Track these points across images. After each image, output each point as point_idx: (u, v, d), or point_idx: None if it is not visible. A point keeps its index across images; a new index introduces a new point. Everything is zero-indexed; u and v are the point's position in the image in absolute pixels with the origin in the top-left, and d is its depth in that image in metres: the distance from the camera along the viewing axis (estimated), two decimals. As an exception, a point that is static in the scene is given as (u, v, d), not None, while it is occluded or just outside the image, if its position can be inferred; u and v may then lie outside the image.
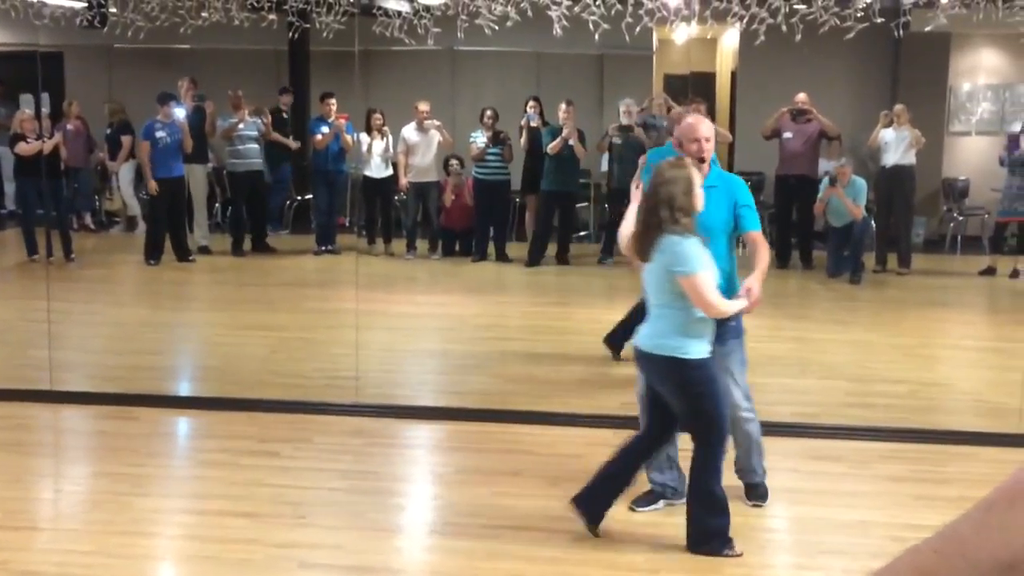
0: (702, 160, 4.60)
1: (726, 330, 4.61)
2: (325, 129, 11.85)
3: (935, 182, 12.60)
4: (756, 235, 4.66)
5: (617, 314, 9.43)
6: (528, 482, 5.28)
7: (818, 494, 5.18)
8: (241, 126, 11.86)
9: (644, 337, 4.44)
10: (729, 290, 4.54)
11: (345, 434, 6.02)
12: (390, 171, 12.04)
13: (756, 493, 5.01)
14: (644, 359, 4.46)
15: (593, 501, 4.61)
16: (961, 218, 12.53)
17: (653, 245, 4.31)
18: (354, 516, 4.87)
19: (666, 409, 4.51)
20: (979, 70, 13.06)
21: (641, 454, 4.66)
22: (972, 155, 12.97)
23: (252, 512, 4.88)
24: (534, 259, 11.52)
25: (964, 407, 6.72)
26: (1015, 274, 10.77)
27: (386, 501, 5.11)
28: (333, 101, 11.89)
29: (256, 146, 12.01)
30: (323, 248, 11.96)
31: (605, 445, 5.82)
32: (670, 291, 4.29)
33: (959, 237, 12.42)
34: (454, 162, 12.15)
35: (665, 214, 4.24)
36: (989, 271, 11.02)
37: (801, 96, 11.36)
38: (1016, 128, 11.41)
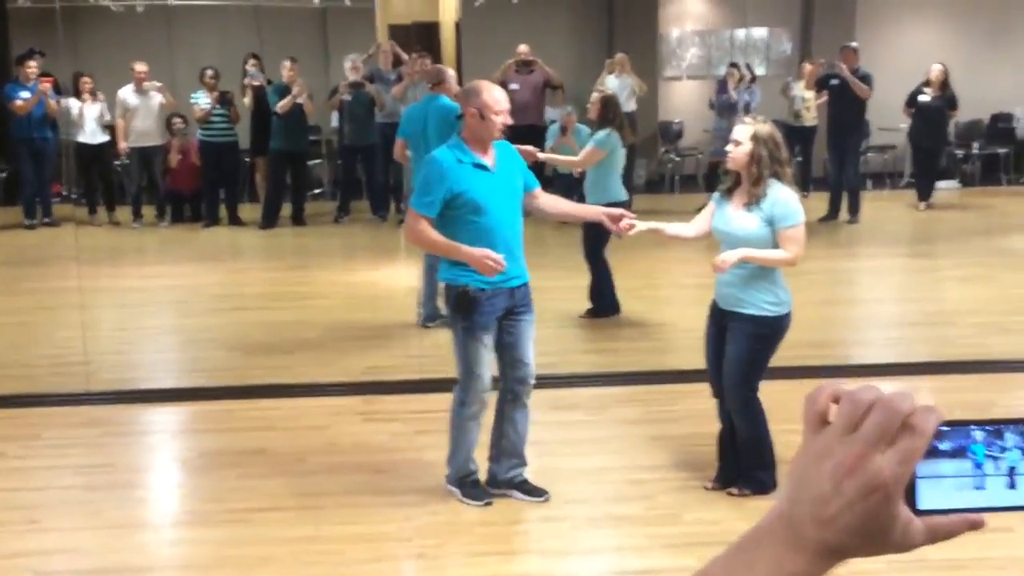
0: (502, 131, 4.45)
1: (529, 297, 4.60)
2: (25, 94, 11.02)
3: (652, 125, 13.19)
4: (540, 189, 4.76)
5: (357, 275, 9.42)
6: (274, 460, 5.21)
7: (559, 444, 5.39)
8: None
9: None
10: (520, 254, 4.55)
11: (77, 426, 5.72)
12: (107, 136, 11.40)
13: (534, 487, 4.75)
14: None
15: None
16: (678, 159, 13.21)
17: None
18: (92, 515, 4.66)
19: None
20: (686, 17, 13.74)
21: None
22: (684, 98, 13.67)
23: (-22, 522, 4.58)
24: (268, 221, 11.27)
25: (688, 345, 7.08)
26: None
27: (126, 495, 4.91)
28: (33, 64, 11.05)
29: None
30: (37, 221, 11.21)
31: (351, 413, 5.86)
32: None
33: (676, 177, 13.10)
34: (177, 120, 11.66)
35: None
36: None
37: (523, 47, 11.57)
38: (722, 72, 12.11)
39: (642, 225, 4.58)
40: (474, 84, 4.60)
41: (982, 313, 7.79)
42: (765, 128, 4.45)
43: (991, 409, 5.78)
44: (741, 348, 4.53)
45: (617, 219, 4.55)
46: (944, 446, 0.83)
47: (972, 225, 11.46)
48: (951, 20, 13.27)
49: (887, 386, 0.81)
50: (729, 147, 4.50)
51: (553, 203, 4.87)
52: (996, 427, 0.83)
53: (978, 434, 0.83)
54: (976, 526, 0.83)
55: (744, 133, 4.44)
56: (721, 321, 4.62)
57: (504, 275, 4.44)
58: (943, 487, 0.83)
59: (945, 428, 0.82)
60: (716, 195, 4.67)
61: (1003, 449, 0.83)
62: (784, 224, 4.37)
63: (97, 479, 5.03)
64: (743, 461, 4.70)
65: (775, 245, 4.40)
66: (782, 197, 4.39)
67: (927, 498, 0.82)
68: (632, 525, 4.51)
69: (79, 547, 4.37)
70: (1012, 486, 0.83)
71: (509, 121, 4.45)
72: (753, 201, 4.40)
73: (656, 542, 4.36)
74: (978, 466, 0.83)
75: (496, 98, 4.42)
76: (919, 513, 0.82)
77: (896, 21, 13.23)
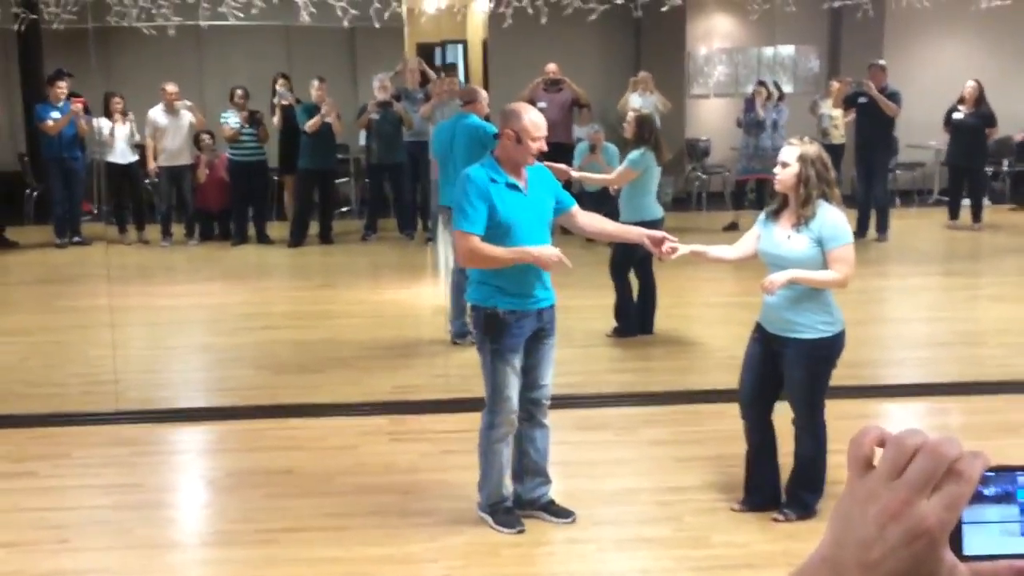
0: (536, 157, 4.42)
1: (555, 320, 4.61)
2: (56, 115, 11.13)
3: (679, 143, 13.18)
4: (577, 207, 4.75)
5: (384, 293, 9.46)
6: (302, 480, 5.23)
7: (587, 465, 5.38)
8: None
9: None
10: (547, 276, 4.52)
11: (107, 445, 5.76)
12: (136, 156, 11.52)
13: (561, 508, 4.77)
14: None
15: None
16: (705, 176, 13.20)
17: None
18: (122, 534, 4.69)
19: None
20: (713, 35, 13.74)
21: None
22: (711, 116, 13.66)
23: (10, 541, 4.62)
24: (296, 239, 11.34)
25: (716, 364, 7.07)
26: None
27: (154, 514, 4.94)
28: (63, 84, 11.16)
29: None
30: (68, 240, 11.33)
31: (379, 433, 5.87)
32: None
33: (704, 194, 13.08)
34: (205, 136, 11.76)
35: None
36: (732, 226, 11.67)
37: (551, 66, 11.62)
38: (750, 90, 12.09)
39: (684, 248, 4.53)
40: (515, 106, 4.58)
41: (1012, 333, 7.73)
42: (812, 149, 4.43)
43: (1020, 431, 5.73)
44: (804, 373, 4.49)
45: (659, 242, 4.49)
46: (990, 491, 0.82)
47: (1002, 243, 11.37)
48: (979, 37, 13.20)
49: (913, 409, 0.81)
50: (777, 169, 4.47)
51: (592, 222, 4.83)
52: None
53: None
54: (1023, 573, 0.83)
55: (791, 154, 4.41)
56: (771, 345, 4.55)
57: (533, 297, 4.45)
58: (989, 533, 0.82)
59: (991, 473, 0.82)
60: (762, 217, 4.64)
61: None
62: (834, 245, 4.35)
63: (126, 498, 5.06)
64: (793, 482, 4.67)
65: (824, 266, 4.38)
66: (831, 218, 4.38)
67: (973, 544, 0.82)
68: (660, 547, 4.49)
69: (109, 567, 4.40)
70: None
71: (544, 148, 4.43)
72: (802, 222, 4.37)
73: (683, 564, 4.34)
74: None
75: (536, 123, 4.40)
76: (965, 559, 0.82)
77: (924, 38, 13.18)
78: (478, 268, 4.46)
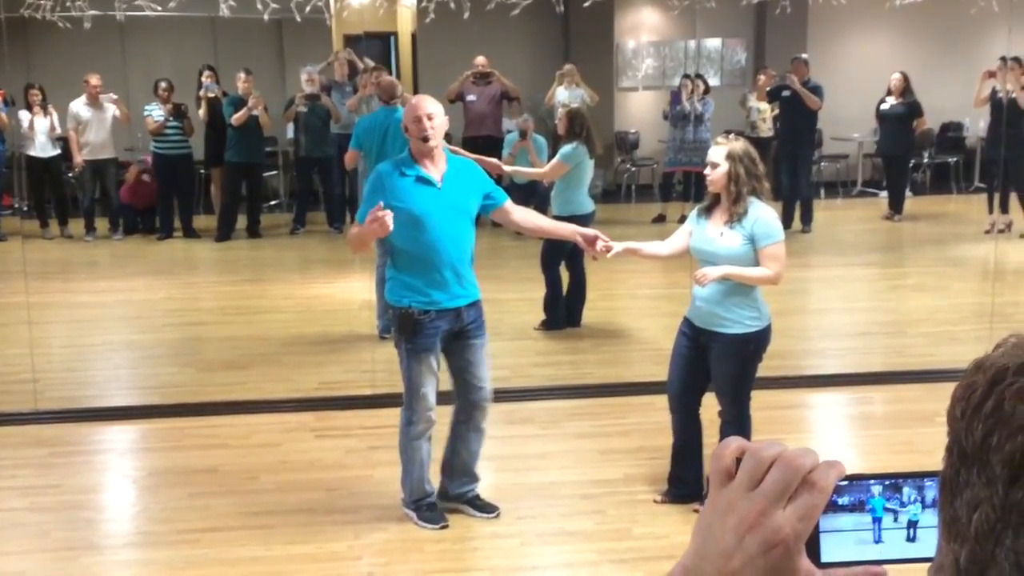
0: (425, 139, 4.35)
1: (481, 318, 4.58)
2: (-26, 107, 10.88)
3: (608, 135, 13.24)
4: (511, 203, 4.70)
5: (312, 288, 9.39)
6: (225, 479, 5.18)
7: (511, 459, 5.40)
8: None
9: None
10: (468, 273, 4.52)
11: (24, 446, 5.66)
12: (58, 150, 11.28)
13: (486, 503, 4.80)
14: None
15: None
16: (634, 169, 13.29)
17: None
18: (39, 537, 4.61)
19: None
20: (641, 28, 13.83)
21: None
22: (640, 109, 13.75)
23: (-78, 546, 4.52)
24: (223, 233, 11.21)
25: (642, 356, 7.15)
26: (683, 220, 11.54)
27: (74, 516, 4.86)
28: (-20, 77, 10.92)
29: None
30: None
31: (304, 429, 5.84)
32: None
33: (633, 187, 13.18)
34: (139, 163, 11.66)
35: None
36: (660, 218, 11.78)
37: (480, 59, 11.61)
38: (676, 83, 12.19)
39: (618, 247, 4.55)
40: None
41: (932, 322, 7.90)
42: (739, 145, 4.48)
43: (935, 419, 5.86)
44: (731, 367, 4.55)
45: (592, 241, 4.51)
46: (843, 500, 0.85)
47: (923, 234, 11.61)
48: (900, 32, 13.44)
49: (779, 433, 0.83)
50: (707, 170, 4.51)
51: (527, 218, 4.84)
52: (893, 481, 0.86)
53: (876, 488, 0.85)
54: None
55: (719, 154, 4.45)
56: (698, 339, 4.60)
57: (447, 294, 4.44)
58: (843, 540, 0.85)
59: (844, 483, 0.84)
60: (694, 213, 4.69)
61: (902, 503, 0.85)
62: (766, 242, 4.40)
63: (44, 500, 4.98)
64: None
65: (755, 263, 4.43)
66: (763, 215, 4.43)
67: (829, 551, 0.84)
68: (582, 540, 4.53)
69: (25, 571, 4.32)
70: (912, 539, 0.85)
71: (425, 128, 4.34)
72: (734, 219, 4.41)
73: (606, 557, 4.38)
74: (876, 520, 0.85)
75: (412, 105, 4.44)
76: (823, 566, 0.84)
77: (846, 33, 13.39)
78: (354, 251, 4.68)
